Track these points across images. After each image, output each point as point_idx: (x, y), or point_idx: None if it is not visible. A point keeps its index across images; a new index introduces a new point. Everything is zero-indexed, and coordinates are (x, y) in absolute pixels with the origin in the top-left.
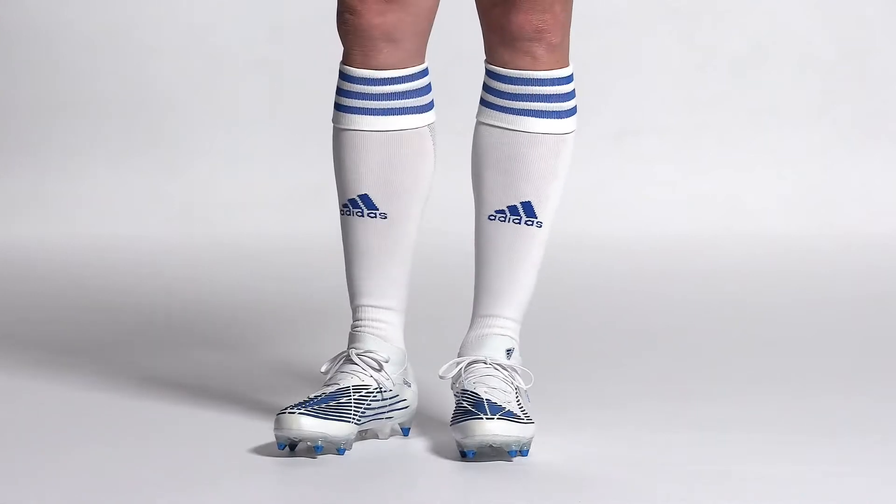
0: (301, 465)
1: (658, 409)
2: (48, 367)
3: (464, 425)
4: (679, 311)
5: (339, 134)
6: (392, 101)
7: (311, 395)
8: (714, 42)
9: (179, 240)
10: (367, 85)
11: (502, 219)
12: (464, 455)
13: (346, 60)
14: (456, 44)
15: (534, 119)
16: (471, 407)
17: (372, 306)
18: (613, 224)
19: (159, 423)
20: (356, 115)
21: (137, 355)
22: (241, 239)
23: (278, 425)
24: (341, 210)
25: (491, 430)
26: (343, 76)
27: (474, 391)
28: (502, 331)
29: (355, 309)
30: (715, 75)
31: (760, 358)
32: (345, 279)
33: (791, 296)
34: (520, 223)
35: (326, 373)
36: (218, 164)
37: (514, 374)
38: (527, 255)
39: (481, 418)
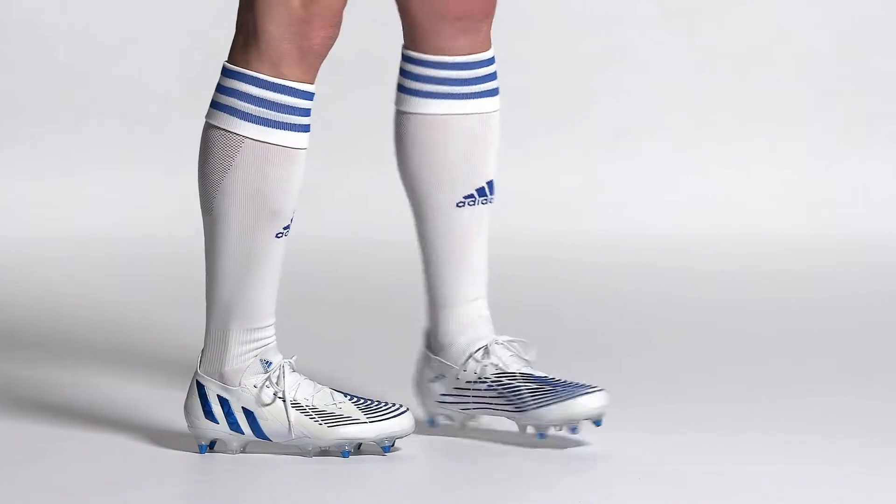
0: (301, 465)
1: (658, 409)
2: (43, 367)
3: (567, 404)
4: (679, 311)
5: (288, 154)
6: (308, 119)
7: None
8: (714, 42)
9: (179, 240)
10: (309, 101)
11: (471, 203)
12: (542, 437)
13: (300, 76)
14: None
15: (490, 98)
16: (547, 385)
17: None
18: (612, 224)
19: (162, 422)
20: (302, 134)
21: (138, 355)
22: None
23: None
24: (276, 235)
25: (599, 402)
26: (289, 91)
27: (522, 371)
28: (487, 311)
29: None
30: (715, 75)
31: (760, 358)
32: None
33: (790, 296)
34: (486, 202)
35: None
36: None
37: (525, 347)
38: (488, 231)
39: (586, 394)
